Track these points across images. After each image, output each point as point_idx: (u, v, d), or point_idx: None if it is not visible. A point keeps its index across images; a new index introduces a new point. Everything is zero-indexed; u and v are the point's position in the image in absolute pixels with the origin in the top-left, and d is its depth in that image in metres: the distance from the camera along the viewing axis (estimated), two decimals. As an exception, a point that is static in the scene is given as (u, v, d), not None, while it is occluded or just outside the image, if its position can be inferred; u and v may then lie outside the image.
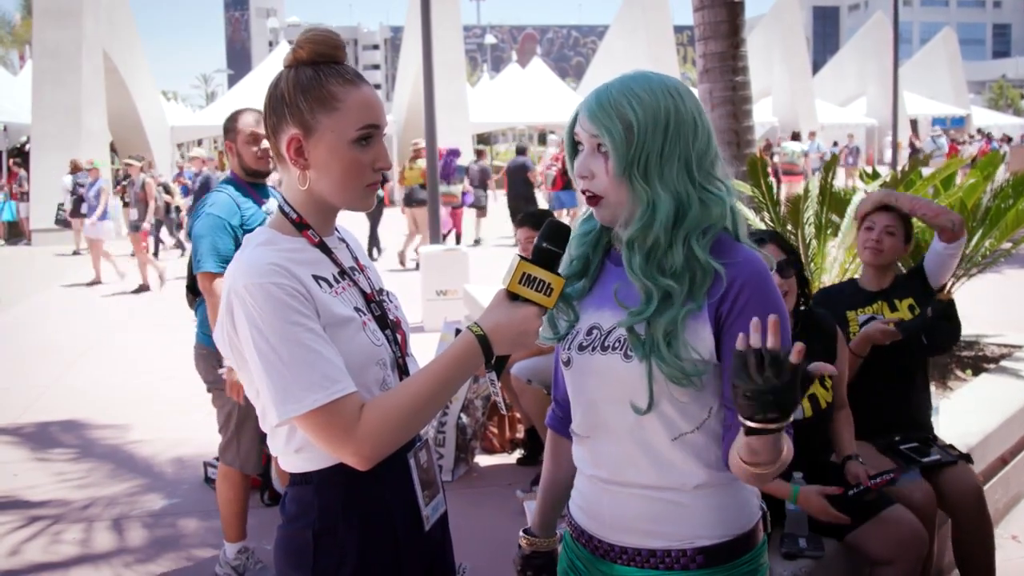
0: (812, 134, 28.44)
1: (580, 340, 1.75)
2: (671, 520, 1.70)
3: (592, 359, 1.72)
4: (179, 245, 16.79)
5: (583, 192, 1.71)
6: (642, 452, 1.70)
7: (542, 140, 28.20)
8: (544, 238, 1.68)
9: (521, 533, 2.04)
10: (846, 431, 3.31)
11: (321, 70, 1.68)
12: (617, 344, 1.69)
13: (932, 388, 3.81)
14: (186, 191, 17.94)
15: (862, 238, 3.73)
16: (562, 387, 1.94)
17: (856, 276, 3.85)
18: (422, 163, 14.83)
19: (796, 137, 24.65)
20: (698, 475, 1.69)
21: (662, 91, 1.65)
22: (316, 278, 1.67)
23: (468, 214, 17.07)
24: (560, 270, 1.70)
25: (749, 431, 1.48)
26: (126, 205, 15.09)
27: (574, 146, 1.74)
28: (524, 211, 5.41)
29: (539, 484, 2.06)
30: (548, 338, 1.81)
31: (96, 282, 13.73)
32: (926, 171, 6.96)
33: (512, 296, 1.65)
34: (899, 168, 9.09)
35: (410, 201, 14.86)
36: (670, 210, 1.63)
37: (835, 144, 29.63)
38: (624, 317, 1.67)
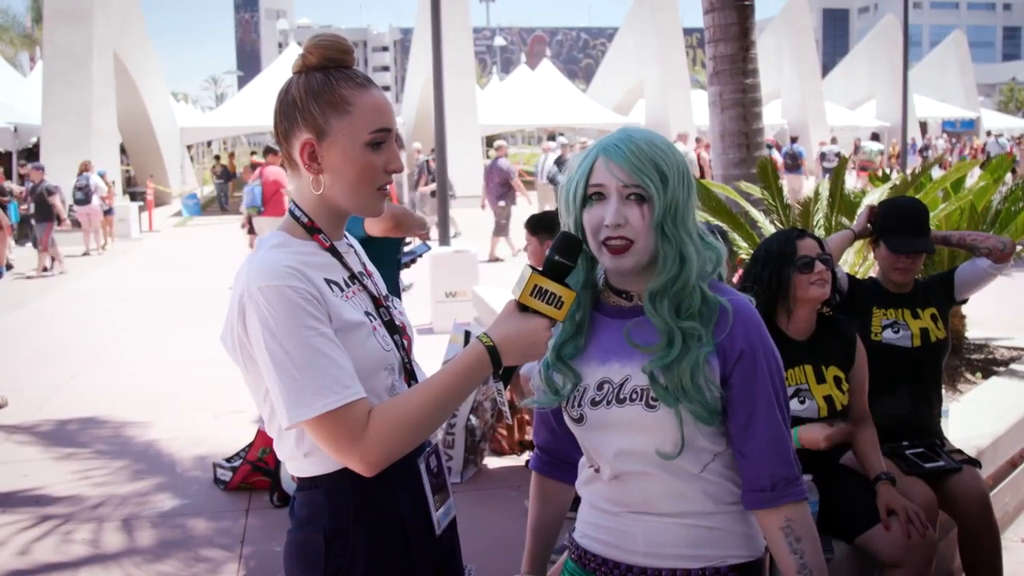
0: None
1: (591, 396, 1.76)
2: (708, 543, 1.75)
3: (609, 412, 1.74)
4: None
5: (610, 240, 1.68)
6: (676, 483, 1.74)
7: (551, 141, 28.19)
8: (556, 251, 1.68)
9: None
10: (872, 450, 3.18)
11: (332, 74, 1.69)
12: (635, 395, 1.71)
13: (942, 391, 3.78)
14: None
15: (878, 253, 3.63)
16: (543, 434, 2.00)
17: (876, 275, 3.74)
18: None
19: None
20: (729, 495, 1.76)
21: (670, 146, 1.71)
22: (328, 282, 1.67)
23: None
24: (553, 331, 1.70)
25: None
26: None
27: (585, 196, 1.71)
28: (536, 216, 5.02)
29: (528, 525, 2.05)
30: (551, 400, 1.81)
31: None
32: (936, 174, 6.94)
33: (522, 307, 1.66)
34: (909, 170, 9.07)
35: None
36: (696, 257, 1.69)
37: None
38: (645, 362, 1.69)
